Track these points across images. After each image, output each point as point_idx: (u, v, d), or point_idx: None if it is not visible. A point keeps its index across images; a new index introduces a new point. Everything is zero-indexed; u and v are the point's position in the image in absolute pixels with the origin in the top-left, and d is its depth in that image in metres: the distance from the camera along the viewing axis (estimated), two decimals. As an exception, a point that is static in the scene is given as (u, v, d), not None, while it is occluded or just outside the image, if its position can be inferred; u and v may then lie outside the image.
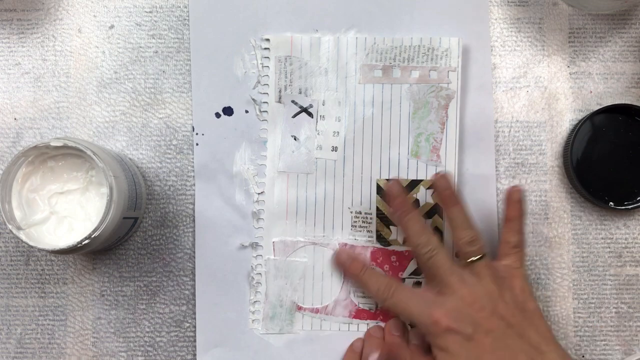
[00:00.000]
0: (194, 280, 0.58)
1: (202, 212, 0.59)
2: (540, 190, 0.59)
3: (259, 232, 0.58)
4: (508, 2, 0.60)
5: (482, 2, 0.60)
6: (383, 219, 0.58)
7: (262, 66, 0.59)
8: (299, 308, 0.58)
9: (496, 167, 0.59)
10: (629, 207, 0.58)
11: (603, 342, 0.59)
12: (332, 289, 0.58)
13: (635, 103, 0.59)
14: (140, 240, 0.59)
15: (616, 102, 0.58)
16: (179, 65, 0.60)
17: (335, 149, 0.59)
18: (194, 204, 0.59)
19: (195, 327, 0.58)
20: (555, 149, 0.59)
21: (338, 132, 0.59)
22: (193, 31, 0.59)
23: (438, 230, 0.58)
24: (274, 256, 0.58)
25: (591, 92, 0.60)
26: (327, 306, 0.58)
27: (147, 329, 0.59)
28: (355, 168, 0.59)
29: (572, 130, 0.58)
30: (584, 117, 0.58)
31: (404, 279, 0.58)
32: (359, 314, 0.58)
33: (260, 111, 0.59)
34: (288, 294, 0.58)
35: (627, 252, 0.59)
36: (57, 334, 0.59)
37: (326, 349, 0.58)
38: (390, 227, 0.58)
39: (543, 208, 0.59)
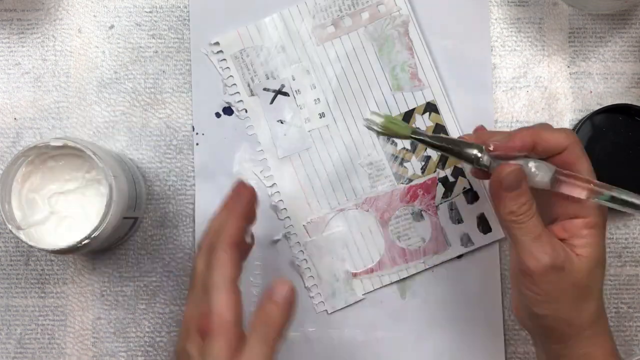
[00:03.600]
0: (194, 280, 0.58)
1: (202, 212, 0.59)
2: (540, 190, 0.59)
3: (287, 222, 0.58)
4: (508, 2, 0.60)
5: (482, 2, 0.60)
6: (395, 158, 0.58)
7: (222, 69, 0.59)
8: (355, 275, 0.58)
9: (496, 167, 0.59)
10: (629, 207, 0.58)
11: (603, 342, 0.59)
12: (377, 244, 0.58)
13: (635, 103, 0.59)
14: (140, 240, 0.59)
15: (616, 102, 0.58)
16: (179, 65, 0.60)
17: (322, 115, 0.59)
18: (194, 204, 0.59)
19: (195, 327, 0.58)
20: (555, 149, 0.59)
21: (319, 99, 0.59)
22: (193, 31, 0.59)
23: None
24: (310, 237, 0.58)
25: (591, 92, 0.60)
26: (379, 262, 0.58)
27: (147, 329, 0.59)
28: (349, 124, 0.59)
29: (572, 130, 0.58)
30: (584, 117, 0.58)
31: (437, 206, 0.58)
32: (411, 256, 0.58)
33: (239, 110, 0.59)
34: (338, 267, 0.58)
35: (627, 252, 0.59)
36: (57, 334, 0.59)
37: (328, 348, 0.58)
38: (404, 164, 0.58)
39: (543, 208, 0.59)
